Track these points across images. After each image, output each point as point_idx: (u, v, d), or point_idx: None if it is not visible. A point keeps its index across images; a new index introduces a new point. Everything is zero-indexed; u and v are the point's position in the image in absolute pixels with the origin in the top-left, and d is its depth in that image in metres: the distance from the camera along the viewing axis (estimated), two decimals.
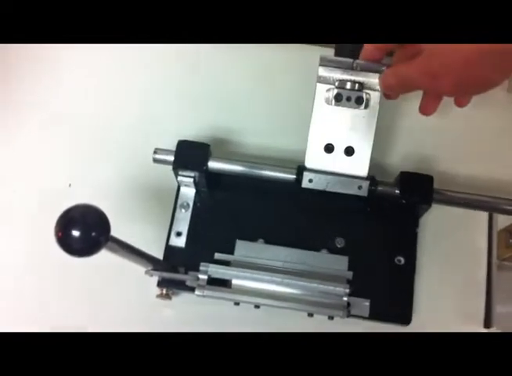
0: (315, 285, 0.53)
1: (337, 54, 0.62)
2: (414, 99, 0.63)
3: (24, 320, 0.57)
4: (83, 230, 0.39)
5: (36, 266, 0.59)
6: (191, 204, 0.59)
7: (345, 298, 0.52)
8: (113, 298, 0.58)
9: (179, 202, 0.59)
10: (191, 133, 0.62)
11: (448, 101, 0.48)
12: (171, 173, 0.56)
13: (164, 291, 0.56)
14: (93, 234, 0.39)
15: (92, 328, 0.57)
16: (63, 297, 0.58)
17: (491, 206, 0.55)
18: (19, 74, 0.66)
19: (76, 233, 0.39)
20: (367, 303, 0.55)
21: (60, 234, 0.39)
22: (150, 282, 0.55)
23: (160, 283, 0.55)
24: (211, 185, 0.58)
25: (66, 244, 0.39)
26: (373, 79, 0.54)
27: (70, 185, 0.61)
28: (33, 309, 0.58)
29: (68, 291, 0.58)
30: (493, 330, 0.57)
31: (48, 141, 0.63)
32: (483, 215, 0.60)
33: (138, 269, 0.51)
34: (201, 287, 0.52)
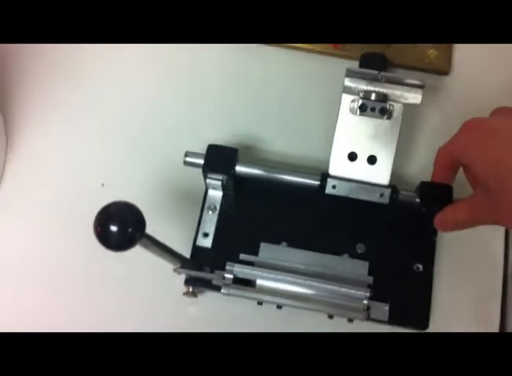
0: (336, 288, 0.54)
1: (362, 66, 0.65)
2: (436, 112, 0.65)
3: (53, 315, 0.59)
4: (120, 226, 0.41)
5: (67, 263, 0.61)
6: (218, 207, 0.61)
7: (365, 302, 0.54)
8: (142, 294, 0.60)
9: (207, 204, 0.61)
10: (220, 138, 0.64)
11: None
12: (200, 176, 0.58)
13: (191, 289, 0.58)
14: (129, 230, 0.42)
15: (121, 321, 0.59)
16: (94, 290, 0.60)
17: None
18: (55, 73, 0.68)
19: (114, 229, 0.41)
20: (386, 307, 0.56)
21: (99, 229, 0.41)
22: (178, 280, 0.57)
23: (187, 282, 0.57)
24: (238, 188, 0.60)
25: (104, 238, 0.41)
26: (397, 91, 0.56)
27: (103, 185, 0.64)
28: (61, 302, 0.60)
29: (98, 286, 0.61)
30: None
31: (82, 141, 0.66)
32: None
33: (166, 268, 0.53)
34: (227, 285, 0.54)
